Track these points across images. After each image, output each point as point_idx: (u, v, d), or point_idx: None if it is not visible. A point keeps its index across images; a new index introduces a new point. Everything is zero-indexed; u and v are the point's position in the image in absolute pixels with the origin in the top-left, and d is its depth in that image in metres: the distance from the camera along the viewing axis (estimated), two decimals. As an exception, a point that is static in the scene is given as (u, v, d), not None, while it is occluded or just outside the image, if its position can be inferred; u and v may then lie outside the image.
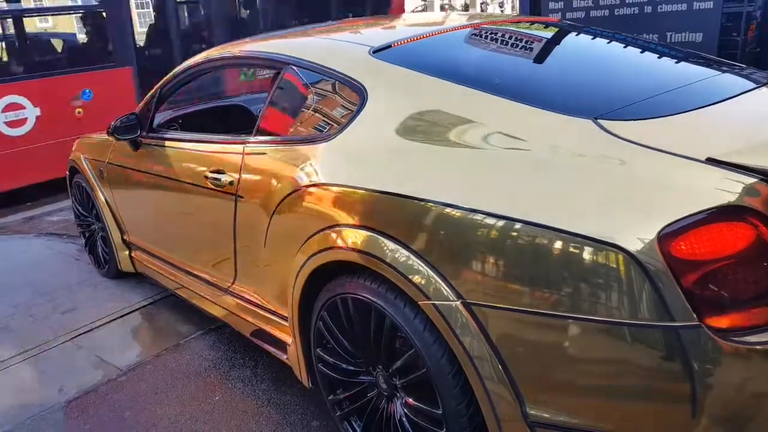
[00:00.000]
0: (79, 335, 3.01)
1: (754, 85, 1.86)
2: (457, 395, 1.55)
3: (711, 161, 1.30)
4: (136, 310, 3.22)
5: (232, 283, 2.45)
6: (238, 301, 2.42)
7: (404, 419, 1.77)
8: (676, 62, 2.23)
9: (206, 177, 2.34)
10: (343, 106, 1.98)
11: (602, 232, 1.27)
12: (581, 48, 2.35)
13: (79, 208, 3.73)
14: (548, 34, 2.44)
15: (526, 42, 2.27)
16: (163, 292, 3.31)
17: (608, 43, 2.36)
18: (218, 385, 2.50)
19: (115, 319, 3.13)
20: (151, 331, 3.05)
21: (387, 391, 1.81)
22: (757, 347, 1.19)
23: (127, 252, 3.33)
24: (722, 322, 1.20)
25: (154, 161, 2.77)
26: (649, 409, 1.28)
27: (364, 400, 1.89)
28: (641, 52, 2.32)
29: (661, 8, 4.11)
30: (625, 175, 1.35)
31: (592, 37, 2.42)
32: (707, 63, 2.16)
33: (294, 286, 1.94)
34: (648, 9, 4.17)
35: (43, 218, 4.96)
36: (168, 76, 2.86)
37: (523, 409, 1.42)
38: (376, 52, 2.00)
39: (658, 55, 2.33)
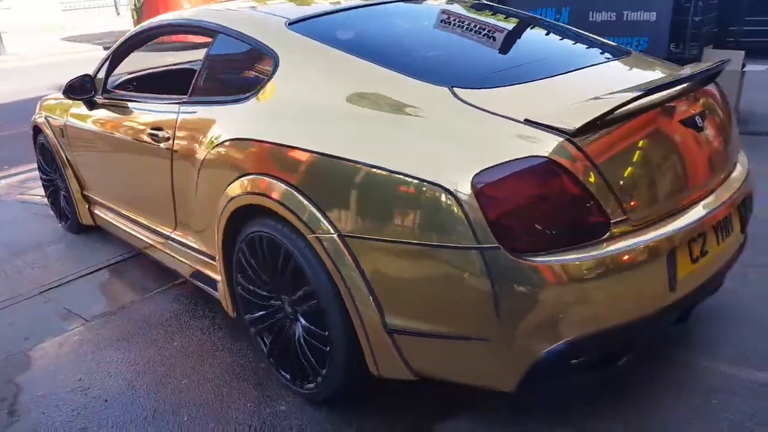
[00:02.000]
0: (48, 290, 3.17)
1: (602, 61, 2.22)
2: (337, 314, 1.88)
3: (527, 122, 1.64)
4: (105, 267, 3.38)
5: (173, 231, 2.73)
6: (179, 246, 2.70)
7: (301, 338, 2.10)
8: (545, 37, 2.55)
9: (148, 134, 2.61)
10: (260, 71, 2.26)
11: (433, 176, 1.61)
12: (464, 23, 2.59)
13: (44, 166, 3.90)
14: (440, 12, 2.70)
15: (418, 18, 2.62)
16: (130, 251, 3.47)
17: (491, 20, 2.65)
18: (177, 333, 2.68)
19: (84, 275, 3.30)
20: (117, 286, 3.22)
21: (291, 314, 2.14)
22: (542, 264, 1.55)
23: (86, 206, 3.55)
24: (517, 245, 1.56)
25: (107, 120, 3.00)
26: (469, 312, 1.65)
27: (273, 320, 2.22)
28: (519, 29, 2.61)
29: (618, -13, 4.27)
30: (460, 132, 1.70)
31: (479, 13, 2.71)
32: (575, 39, 2.50)
33: (218, 228, 2.26)
34: (606, -12, 4.32)
35: (24, 182, 5.08)
36: (120, 40, 3.11)
37: (383, 320, 1.78)
38: (291, 24, 2.27)
39: (532, 32, 2.61)
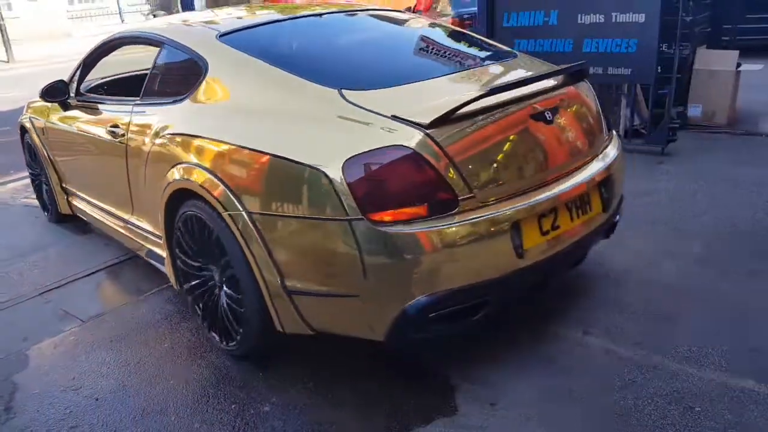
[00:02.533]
0: (48, 290, 3.29)
1: (482, 64, 2.64)
2: (248, 280, 2.20)
3: (394, 117, 2.00)
4: (102, 269, 3.49)
5: (131, 215, 3.10)
6: (136, 229, 3.06)
7: (224, 302, 2.44)
8: (439, 43, 2.91)
9: (108, 131, 3.00)
10: (193, 76, 2.59)
11: (316, 162, 1.97)
12: (368, 32, 3.02)
13: (31, 162, 4.25)
14: (350, 23, 3.10)
15: (330, 30, 2.97)
16: (128, 253, 3.57)
17: (395, 29, 3.12)
18: (168, 334, 2.78)
19: (82, 277, 3.41)
20: (113, 287, 3.32)
21: (218, 282, 2.46)
22: (398, 232, 1.91)
23: (65, 197, 3.90)
24: (377, 216, 1.91)
25: (78, 119, 3.37)
26: (343, 273, 2.00)
27: (204, 288, 2.55)
28: (417, 36, 2.98)
29: (606, -11, 4.29)
30: (340, 125, 2.06)
31: (383, 24, 3.13)
32: (467, 45, 2.91)
33: (161, 210, 2.60)
34: (595, -10, 4.35)
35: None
36: (90, 49, 3.49)
37: (283, 283, 2.12)
38: (221, 36, 2.63)
39: (429, 38, 2.94)
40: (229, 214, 2.18)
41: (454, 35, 3.04)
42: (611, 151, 2.51)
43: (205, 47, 2.60)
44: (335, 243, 1.96)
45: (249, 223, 2.12)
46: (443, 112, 1.95)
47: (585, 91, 2.53)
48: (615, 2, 4.29)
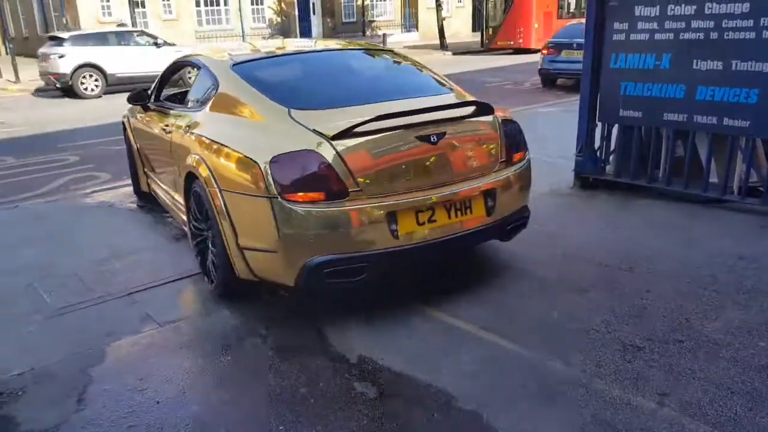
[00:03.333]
0: (136, 291, 3.49)
1: (416, 95, 3.34)
2: (219, 238, 3.07)
3: (314, 131, 2.85)
4: (186, 277, 3.66)
5: (174, 192, 3.98)
6: (178, 204, 3.88)
7: (210, 255, 3.30)
8: (389, 74, 3.91)
9: (162, 128, 4.03)
10: (213, 91, 3.53)
11: (256, 157, 2.81)
12: (335, 66, 3.82)
13: (128, 153, 5.26)
14: (329, 57, 4.00)
15: (310, 62, 3.87)
16: (211, 264, 3.72)
17: (359, 63, 3.94)
18: (232, 348, 2.85)
19: (166, 283, 3.59)
20: (192, 296, 3.47)
21: (209, 241, 3.28)
22: (302, 210, 2.73)
23: (146, 178, 4.89)
24: (289, 197, 2.73)
25: (151, 119, 4.36)
26: (269, 236, 2.80)
27: (204, 245, 3.40)
28: (373, 70, 3.93)
29: (727, 35, 3.98)
30: (279, 134, 2.93)
31: (357, 59, 4.04)
32: (413, 77, 3.81)
33: (182, 188, 3.55)
34: (714, 35, 4.04)
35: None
36: (166, 67, 4.62)
37: (237, 241, 2.97)
38: (234, 65, 3.53)
39: (386, 71, 3.95)
40: (209, 191, 3.07)
41: (411, 71, 3.87)
42: (504, 173, 3.17)
43: (221, 72, 3.55)
44: (264, 214, 2.78)
45: (220, 197, 3.00)
46: (343, 129, 2.77)
47: (483, 124, 3.19)
48: (736, 49, 3.96)
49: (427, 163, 2.90)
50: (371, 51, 4.21)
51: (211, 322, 3.11)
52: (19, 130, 9.83)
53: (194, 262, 3.81)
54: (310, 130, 2.83)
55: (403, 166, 2.85)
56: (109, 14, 21.82)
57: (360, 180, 2.75)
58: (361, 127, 2.75)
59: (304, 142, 2.78)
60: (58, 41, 13.70)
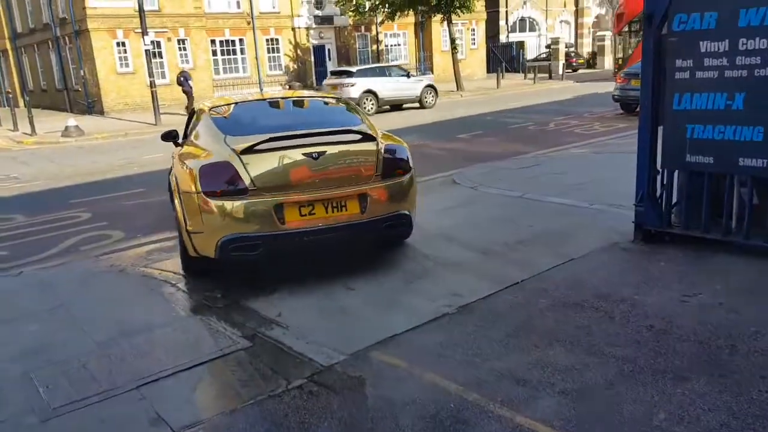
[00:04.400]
0: (145, 383, 2.98)
1: (326, 130, 4.22)
2: (180, 227, 4.35)
3: (232, 149, 3.95)
4: (205, 362, 3.16)
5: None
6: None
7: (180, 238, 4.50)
8: (316, 113, 5.10)
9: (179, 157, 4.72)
10: (194, 126, 4.78)
11: (192, 166, 4.05)
12: (278, 109, 5.22)
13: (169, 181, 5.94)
14: (278, 102, 5.42)
15: (261, 106, 5.13)
16: (232, 345, 3.23)
17: (296, 104, 5.34)
18: (262, 465, 2.31)
19: (182, 371, 3.08)
20: (212, 388, 2.97)
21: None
22: (215, 202, 3.87)
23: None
24: (209, 193, 3.89)
25: (179, 153, 4.83)
26: (198, 221, 3.96)
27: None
28: (306, 110, 5.20)
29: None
30: (212, 152, 4.10)
31: (294, 101, 5.47)
32: (332, 115, 5.02)
33: (176, 195, 4.46)
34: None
35: (150, 254, 5.21)
36: (192, 109, 5.44)
37: (186, 227, 4.09)
38: (210, 109, 4.77)
39: (307, 112, 5.17)
40: (175, 193, 4.36)
41: (337, 111, 5.08)
42: (379, 184, 4.11)
43: (203, 113, 4.71)
44: (194, 205, 3.92)
45: (178, 195, 4.19)
46: (246, 146, 3.89)
47: (364, 147, 4.16)
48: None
49: (310, 172, 3.92)
50: (317, 98, 5.57)
51: (235, 428, 2.57)
52: (33, 185, 9.54)
53: (215, 343, 3.33)
54: (231, 148, 3.96)
55: (291, 173, 3.90)
56: (126, 65, 21.99)
57: (257, 182, 3.83)
58: (261, 145, 3.88)
59: (223, 156, 3.94)
60: (348, 74, 18.37)
